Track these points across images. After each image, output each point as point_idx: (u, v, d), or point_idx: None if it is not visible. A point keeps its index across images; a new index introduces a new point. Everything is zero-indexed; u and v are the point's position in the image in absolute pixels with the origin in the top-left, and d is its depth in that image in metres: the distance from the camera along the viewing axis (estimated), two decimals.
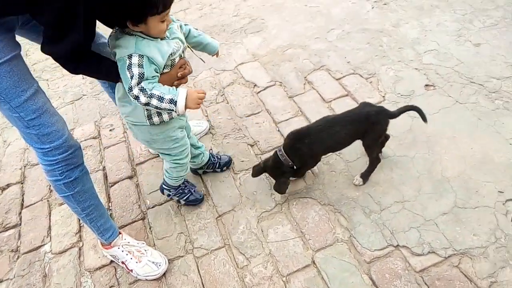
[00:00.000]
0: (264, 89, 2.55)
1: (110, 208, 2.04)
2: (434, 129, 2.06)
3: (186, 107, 1.37)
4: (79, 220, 2.00)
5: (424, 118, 1.78)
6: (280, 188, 1.82)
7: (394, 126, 2.08)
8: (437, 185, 1.82)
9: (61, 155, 1.39)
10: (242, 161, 2.12)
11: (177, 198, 1.95)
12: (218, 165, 2.06)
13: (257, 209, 1.89)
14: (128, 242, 1.74)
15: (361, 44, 2.75)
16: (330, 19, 3.05)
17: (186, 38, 1.54)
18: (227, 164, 2.09)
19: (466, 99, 2.20)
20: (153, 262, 1.70)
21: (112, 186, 2.15)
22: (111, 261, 1.81)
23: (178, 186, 1.90)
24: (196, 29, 1.61)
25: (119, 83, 1.43)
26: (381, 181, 1.88)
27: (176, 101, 1.34)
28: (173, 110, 1.36)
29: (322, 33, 2.91)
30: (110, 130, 2.49)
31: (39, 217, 2.08)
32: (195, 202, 1.96)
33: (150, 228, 1.92)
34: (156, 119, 1.51)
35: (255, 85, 2.59)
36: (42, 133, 1.33)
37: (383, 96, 2.32)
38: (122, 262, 1.73)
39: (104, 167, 2.27)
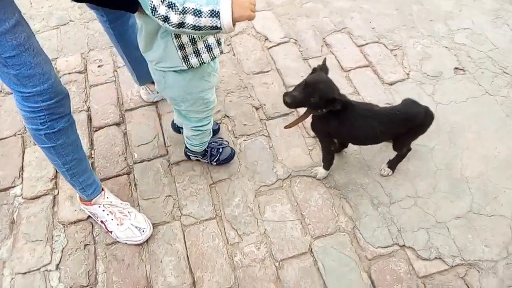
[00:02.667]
0: (276, 45, 2.28)
1: (93, 156, 1.84)
2: (459, 118, 1.89)
3: (234, 19, 1.01)
4: None
5: None
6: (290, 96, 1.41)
7: None
8: (454, 183, 1.68)
9: (45, 102, 1.17)
10: (245, 124, 1.91)
11: (206, 161, 1.75)
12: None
13: (256, 181, 1.72)
14: (111, 202, 1.56)
15: (389, 9, 2.46)
16: None
17: None
18: (215, 132, 1.85)
19: (497, 91, 2.00)
20: (136, 227, 1.54)
21: (96, 131, 1.93)
22: (89, 216, 1.64)
23: (204, 150, 1.70)
24: None
25: (139, 32, 1.22)
26: (395, 170, 1.72)
27: (218, 12, 0.99)
28: (217, 26, 1.00)
29: None
30: (99, 66, 2.20)
31: (11, 155, 1.86)
32: (227, 160, 1.76)
33: (135, 185, 1.74)
34: (194, 60, 1.24)
35: (267, 39, 2.31)
36: (23, 75, 1.10)
37: (407, 74, 2.09)
38: (102, 222, 1.57)
39: (89, 107, 2.02)
